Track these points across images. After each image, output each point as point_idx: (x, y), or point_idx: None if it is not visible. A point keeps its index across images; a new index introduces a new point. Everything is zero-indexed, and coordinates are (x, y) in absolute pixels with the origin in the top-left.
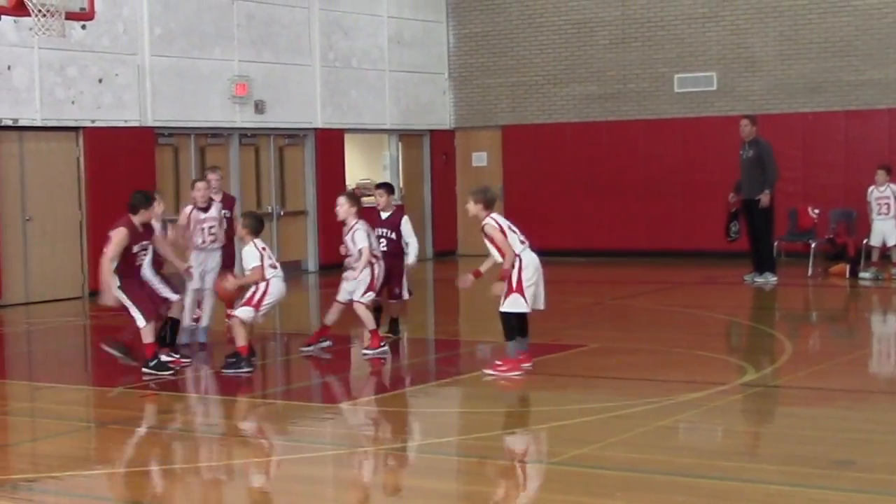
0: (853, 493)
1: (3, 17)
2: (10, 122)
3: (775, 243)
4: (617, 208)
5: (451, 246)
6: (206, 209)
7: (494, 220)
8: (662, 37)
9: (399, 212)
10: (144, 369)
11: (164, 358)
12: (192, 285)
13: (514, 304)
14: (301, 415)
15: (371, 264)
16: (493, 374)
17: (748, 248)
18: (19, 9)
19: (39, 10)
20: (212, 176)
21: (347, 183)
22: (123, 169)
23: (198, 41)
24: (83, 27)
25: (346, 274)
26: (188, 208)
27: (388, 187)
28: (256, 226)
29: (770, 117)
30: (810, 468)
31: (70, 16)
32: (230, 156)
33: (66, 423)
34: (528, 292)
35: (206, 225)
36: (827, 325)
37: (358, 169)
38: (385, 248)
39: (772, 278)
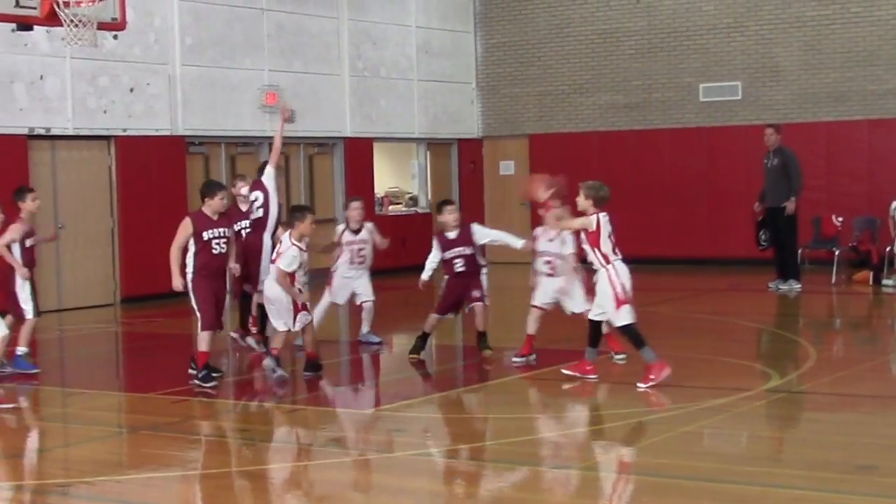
0: (876, 497)
1: (35, 27)
2: (42, 131)
3: (799, 251)
4: (642, 216)
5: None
6: (357, 231)
7: (596, 221)
8: (688, 47)
9: (467, 226)
10: (191, 373)
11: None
12: (340, 299)
13: (626, 316)
14: (330, 421)
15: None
16: (646, 386)
17: (772, 256)
18: (51, 19)
19: (71, 21)
20: (241, 183)
21: (376, 192)
22: (154, 177)
23: (228, 51)
24: (115, 37)
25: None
26: (340, 227)
27: (454, 204)
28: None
29: (794, 126)
30: (833, 473)
31: (102, 26)
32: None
33: (98, 428)
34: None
35: (355, 247)
36: (850, 332)
37: (386, 177)
38: (463, 269)
39: (796, 285)
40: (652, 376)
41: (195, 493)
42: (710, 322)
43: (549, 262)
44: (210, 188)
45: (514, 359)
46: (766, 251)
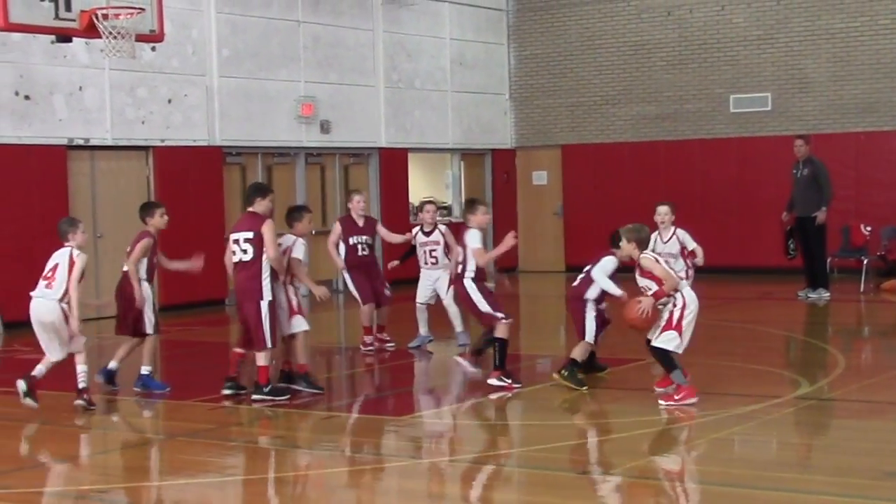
0: None
1: (74, 38)
2: (81, 142)
3: (828, 260)
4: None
5: (511, 262)
6: (429, 233)
7: (650, 254)
8: (718, 58)
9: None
10: (255, 396)
11: (494, 382)
12: (420, 299)
13: (668, 342)
14: (365, 427)
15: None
16: (668, 405)
17: (802, 265)
18: (90, 31)
19: (110, 33)
20: (359, 198)
21: (411, 201)
22: (192, 187)
23: (265, 62)
24: (153, 49)
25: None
26: (415, 230)
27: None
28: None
29: (823, 137)
30: (862, 479)
31: (140, 38)
32: (296, 174)
33: (136, 435)
34: (686, 332)
35: (427, 248)
36: (879, 340)
37: (421, 187)
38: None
39: (825, 294)
40: (678, 397)
41: (231, 499)
42: (740, 330)
43: (666, 263)
44: (263, 190)
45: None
46: (794, 260)
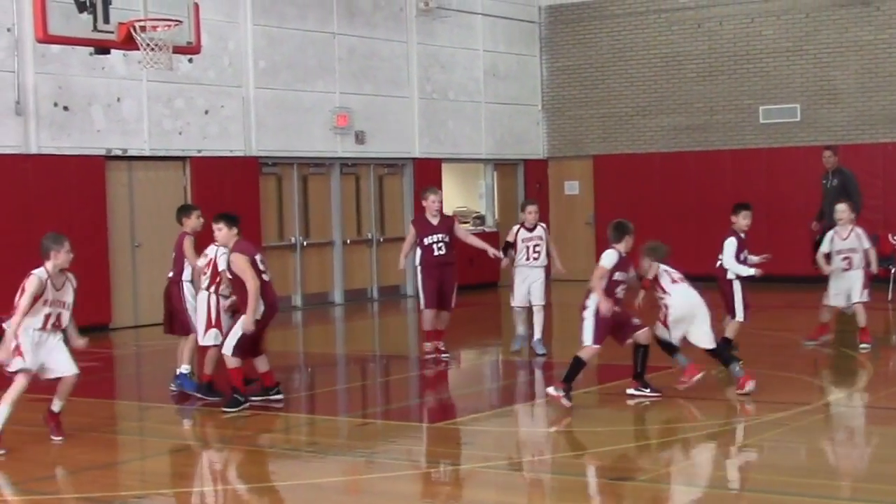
0: None
1: (112, 50)
2: (119, 152)
3: None
4: (703, 234)
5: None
6: (531, 230)
7: (657, 270)
8: (748, 70)
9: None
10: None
11: (551, 391)
12: (518, 302)
13: (659, 331)
14: (398, 434)
15: None
16: (684, 386)
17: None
18: (128, 43)
19: (148, 45)
20: (434, 197)
21: (444, 211)
22: (228, 197)
23: (301, 74)
24: (190, 60)
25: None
26: (516, 228)
27: None
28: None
29: (852, 147)
30: (890, 485)
31: (177, 49)
32: (331, 185)
33: (173, 441)
34: (675, 329)
35: (531, 244)
36: None
37: (454, 197)
38: None
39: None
40: (684, 379)
41: None
42: (768, 337)
43: (846, 259)
44: (228, 219)
45: (806, 342)
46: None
